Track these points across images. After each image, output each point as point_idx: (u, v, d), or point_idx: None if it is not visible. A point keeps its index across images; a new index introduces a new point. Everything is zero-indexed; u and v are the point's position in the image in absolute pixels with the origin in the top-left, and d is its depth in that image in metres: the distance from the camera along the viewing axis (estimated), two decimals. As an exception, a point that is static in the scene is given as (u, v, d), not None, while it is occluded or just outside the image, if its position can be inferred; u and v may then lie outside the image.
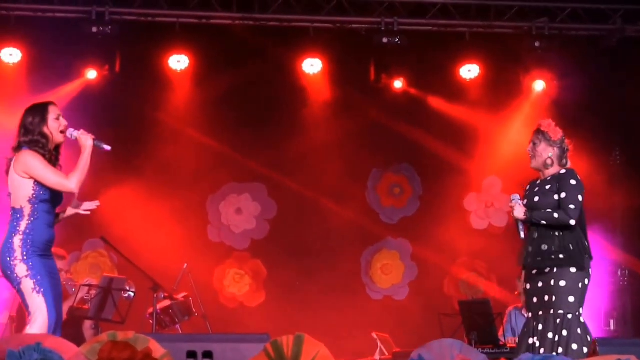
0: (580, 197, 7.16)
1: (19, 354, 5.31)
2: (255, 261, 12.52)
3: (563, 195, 7.16)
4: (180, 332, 10.08)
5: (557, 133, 7.36)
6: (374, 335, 9.87)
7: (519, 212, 7.24)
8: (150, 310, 9.94)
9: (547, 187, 7.26)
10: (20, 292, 6.53)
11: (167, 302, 10.08)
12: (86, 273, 11.56)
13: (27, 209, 6.59)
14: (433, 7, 11.79)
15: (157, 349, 5.54)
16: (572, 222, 7.10)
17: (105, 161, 10.40)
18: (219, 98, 12.14)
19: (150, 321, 9.92)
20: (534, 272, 7.26)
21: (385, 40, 11.59)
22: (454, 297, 12.28)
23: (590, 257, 7.21)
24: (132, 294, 9.87)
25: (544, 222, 7.16)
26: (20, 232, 6.56)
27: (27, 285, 6.49)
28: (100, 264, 12.06)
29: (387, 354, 9.66)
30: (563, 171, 7.29)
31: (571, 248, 7.12)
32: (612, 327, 12.30)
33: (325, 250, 12.39)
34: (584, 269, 7.12)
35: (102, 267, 11.97)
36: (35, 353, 5.33)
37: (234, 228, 12.55)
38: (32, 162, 6.60)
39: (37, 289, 6.49)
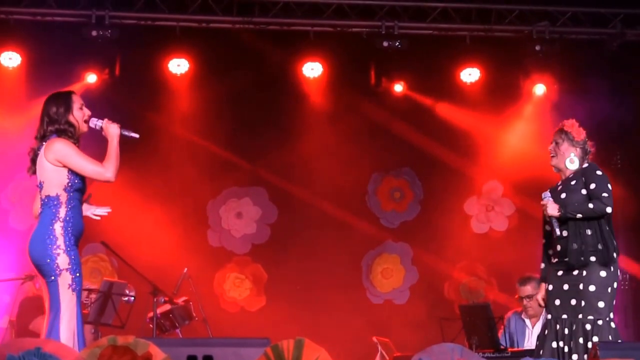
0: (609, 186, 7.14)
1: (19, 359, 5.29)
2: (255, 265, 12.52)
3: (593, 186, 7.14)
4: (181, 336, 10.08)
5: (580, 133, 7.34)
6: (375, 339, 9.86)
7: (553, 208, 7.17)
8: (151, 314, 9.95)
9: (572, 183, 7.22)
10: (52, 283, 6.37)
11: (167, 307, 10.09)
12: (86, 277, 11.48)
13: (64, 197, 6.46)
14: (433, 11, 11.79)
15: (158, 354, 5.53)
16: (609, 210, 7.06)
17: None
18: (219, 102, 12.15)
19: (151, 325, 9.93)
20: (560, 273, 7.20)
21: (385, 44, 11.59)
22: (454, 301, 12.28)
23: (618, 253, 7.16)
24: (132, 298, 9.89)
25: (579, 215, 7.09)
26: (61, 219, 6.43)
27: (65, 279, 6.38)
28: (101, 269, 12.06)
29: (387, 358, 9.65)
30: (586, 165, 7.27)
31: (601, 247, 7.08)
32: (613, 331, 12.32)
33: (326, 254, 12.38)
34: (612, 270, 7.07)
35: (102, 272, 11.97)
36: (35, 358, 5.31)
37: (235, 232, 12.55)
38: (66, 150, 6.49)
39: (74, 286, 6.39)
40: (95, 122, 6.72)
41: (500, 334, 9.18)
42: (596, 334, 6.95)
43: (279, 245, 12.49)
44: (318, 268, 12.30)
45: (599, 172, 7.20)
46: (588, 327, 6.98)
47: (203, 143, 12.20)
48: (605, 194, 7.09)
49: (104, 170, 6.54)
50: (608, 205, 7.07)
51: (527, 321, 9.44)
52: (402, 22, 11.74)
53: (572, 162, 7.28)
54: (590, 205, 7.08)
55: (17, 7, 11.28)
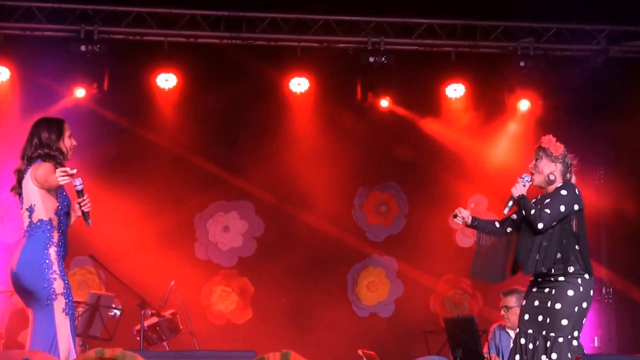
0: (562, 208, 7.08)
1: (7, 370, 5.34)
2: (242, 278, 12.56)
3: (548, 200, 7.12)
4: (168, 349, 10.11)
5: (558, 148, 7.28)
6: (360, 352, 9.90)
7: (517, 190, 7.18)
8: (138, 327, 9.98)
9: (546, 201, 7.19)
10: (48, 308, 6.35)
11: (154, 319, 10.12)
12: (74, 290, 11.54)
13: (55, 221, 6.48)
14: (419, 27, 11.88)
15: (145, 366, 5.58)
16: (540, 226, 7.03)
17: (94, 179, 10.45)
18: (206, 116, 12.20)
19: (138, 338, 9.96)
20: (534, 290, 7.21)
21: (371, 59, 11.68)
22: (439, 314, 12.34)
23: (590, 274, 7.10)
24: (117, 313, 9.91)
25: (524, 210, 7.10)
26: (55, 244, 6.45)
27: (60, 303, 6.37)
28: (88, 281, 12.09)
29: (373, 371, 9.69)
30: (561, 184, 7.23)
31: (569, 267, 7.09)
32: (596, 344, 12.38)
33: (312, 267, 12.43)
34: (581, 290, 7.05)
35: (90, 284, 11.99)
36: (23, 369, 5.35)
37: (221, 246, 12.59)
38: (43, 171, 6.42)
39: (67, 310, 6.39)
40: (76, 184, 6.51)
41: (485, 346, 9.22)
42: (555, 350, 6.97)
43: (265, 259, 12.53)
44: (304, 281, 12.35)
45: (563, 192, 7.15)
46: (548, 343, 7.00)
47: (190, 157, 12.25)
48: (547, 211, 7.06)
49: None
50: (540, 222, 7.04)
51: (512, 333, 9.48)
52: (388, 38, 11.82)
53: (553, 177, 7.23)
54: (532, 211, 7.08)
55: (6, 22, 11.33)
